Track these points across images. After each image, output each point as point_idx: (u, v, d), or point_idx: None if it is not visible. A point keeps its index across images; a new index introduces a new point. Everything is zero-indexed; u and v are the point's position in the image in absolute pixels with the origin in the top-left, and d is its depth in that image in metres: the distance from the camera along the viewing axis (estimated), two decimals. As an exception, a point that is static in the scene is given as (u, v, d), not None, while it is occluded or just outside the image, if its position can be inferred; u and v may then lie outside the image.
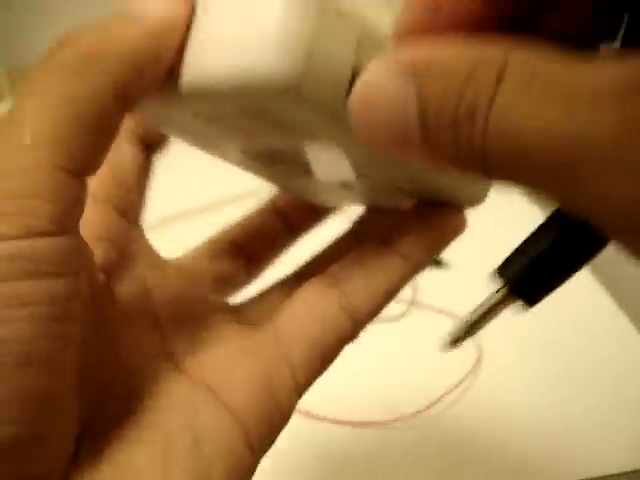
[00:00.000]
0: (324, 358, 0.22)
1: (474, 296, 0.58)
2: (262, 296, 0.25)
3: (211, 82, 0.14)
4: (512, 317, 0.52)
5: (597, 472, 0.38)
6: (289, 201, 0.26)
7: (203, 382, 0.20)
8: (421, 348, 0.47)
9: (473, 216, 0.67)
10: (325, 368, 0.22)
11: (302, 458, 0.39)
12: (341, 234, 0.26)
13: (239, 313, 0.23)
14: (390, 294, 0.22)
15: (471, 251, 0.57)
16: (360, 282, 0.21)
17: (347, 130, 0.14)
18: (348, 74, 0.15)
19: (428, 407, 0.41)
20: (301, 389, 0.21)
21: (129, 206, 0.22)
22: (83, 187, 0.16)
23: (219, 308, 0.23)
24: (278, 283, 0.25)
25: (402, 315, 0.48)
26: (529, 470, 0.38)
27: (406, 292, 0.50)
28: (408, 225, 0.23)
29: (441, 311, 0.49)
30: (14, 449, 0.15)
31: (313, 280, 0.22)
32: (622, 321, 0.49)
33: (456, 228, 0.24)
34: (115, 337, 0.20)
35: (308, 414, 0.41)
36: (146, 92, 0.17)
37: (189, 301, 0.23)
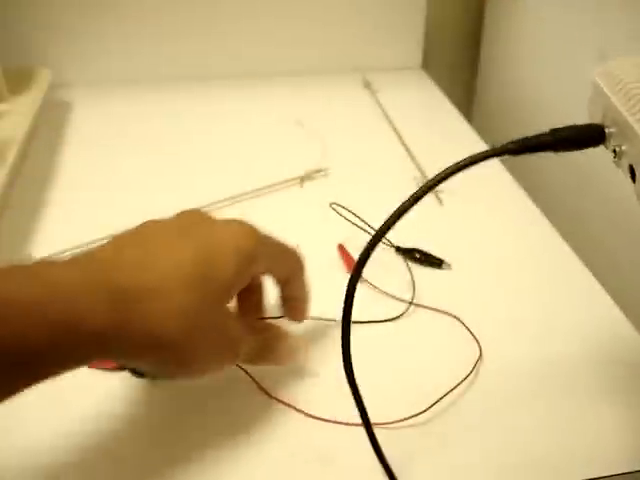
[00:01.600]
0: None
1: (474, 296, 0.58)
2: None
3: None
4: (512, 317, 0.52)
5: (597, 472, 0.38)
6: None
7: None
8: (421, 348, 0.47)
9: (472, 217, 0.67)
10: None
11: (301, 459, 0.39)
12: None
13: None
14: None
15: (471, 251, 0.57)
16: None
17: None
18: None
19: (428, 407, 0.41)
20: None
21: None
22: None
23: None
24: None
25: (402, 315, 0.48)
26: (530, 470, 0.38)
27: (406, 292, 0.50)
28: None
29: (441, 311, 0.49)
30: None
31: None
32: (619, 317, 0.49)
33: None
34: None
35: (307, 415, 0.41)
36: None
37: None
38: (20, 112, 0.71)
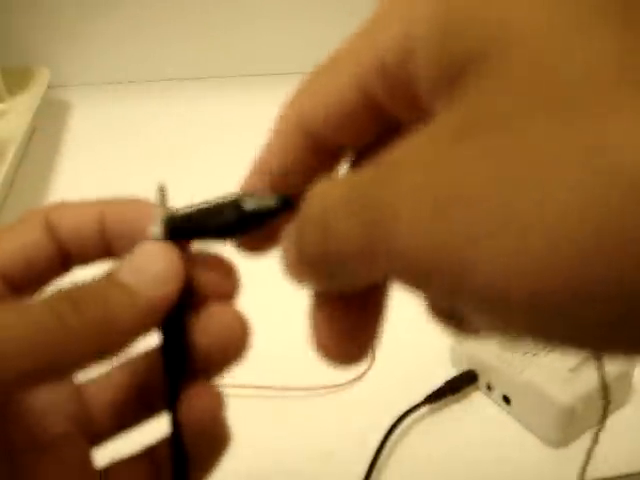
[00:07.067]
0: None
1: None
2: None
3: None
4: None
5: (598, 474, 0.38)
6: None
7: None
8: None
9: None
10: None
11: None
12: None
13: None
14: None
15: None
16: None
17: None
18: None
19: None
20: None
21: None
22: None
23: None
24: None
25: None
26: (530, 472, 0.38)
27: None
28: None
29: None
30: None
31: None
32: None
33: None
34: None
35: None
36: None
37: None
38: (19, 112, 0.70)
